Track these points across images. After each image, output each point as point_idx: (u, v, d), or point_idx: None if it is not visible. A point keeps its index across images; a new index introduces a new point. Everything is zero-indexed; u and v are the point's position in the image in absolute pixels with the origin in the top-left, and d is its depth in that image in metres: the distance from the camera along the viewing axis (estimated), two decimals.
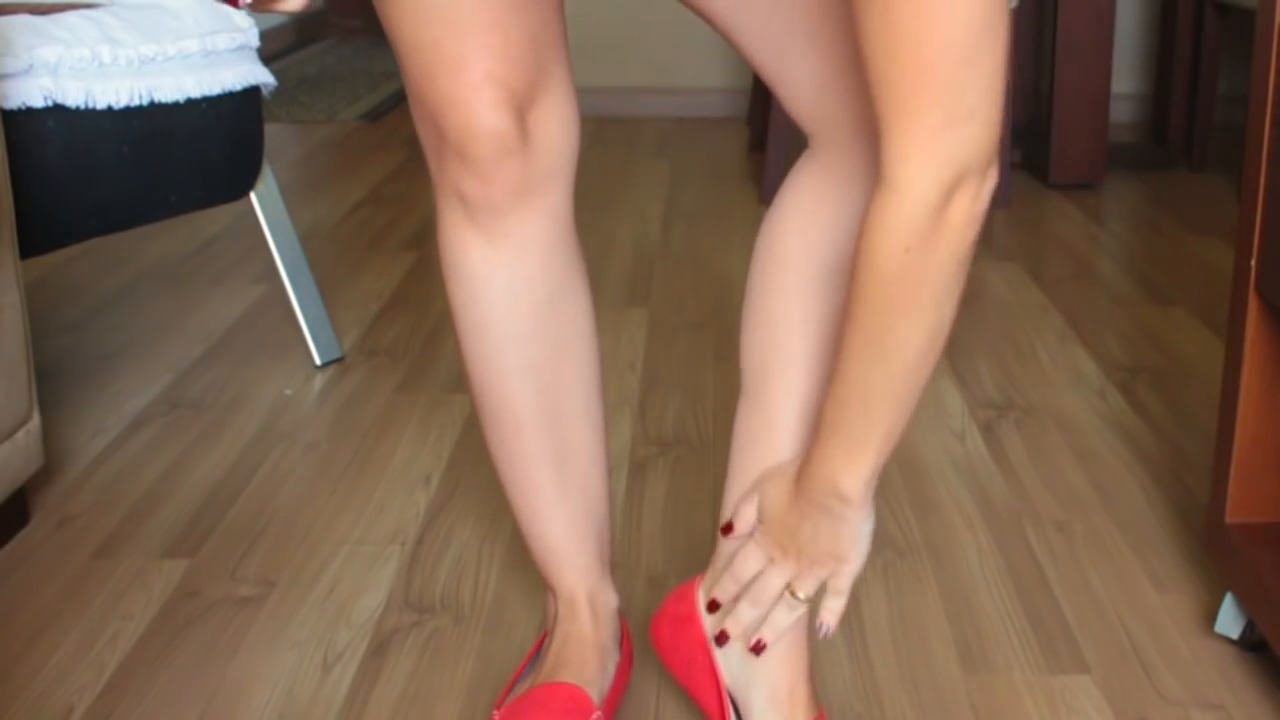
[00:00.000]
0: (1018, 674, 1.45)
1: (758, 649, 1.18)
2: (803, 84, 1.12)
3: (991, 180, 0.95)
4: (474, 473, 1.91)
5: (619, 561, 1.66)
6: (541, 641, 1.39)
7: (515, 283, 1.23)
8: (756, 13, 1.11)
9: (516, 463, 1.30)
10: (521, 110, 1.16)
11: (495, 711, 1.31)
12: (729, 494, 1.23)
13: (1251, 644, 1.47)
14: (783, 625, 1.17)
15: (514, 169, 1.17)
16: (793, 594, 1.16)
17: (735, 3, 1.12)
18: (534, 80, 1.17)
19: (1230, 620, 1.47)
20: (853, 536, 1.11)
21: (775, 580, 1.16)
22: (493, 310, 1.24)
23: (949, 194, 0.93)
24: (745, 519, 1.18)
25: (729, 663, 1.24)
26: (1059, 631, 1.52)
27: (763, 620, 1.18)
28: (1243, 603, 1.40)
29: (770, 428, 1.19)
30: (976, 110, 0.92)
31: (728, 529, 1.20)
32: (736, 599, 1.19)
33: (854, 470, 1.07)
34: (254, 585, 1.63)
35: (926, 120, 0.91)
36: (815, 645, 1.50)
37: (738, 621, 1.19)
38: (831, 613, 1.16)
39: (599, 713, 1.29)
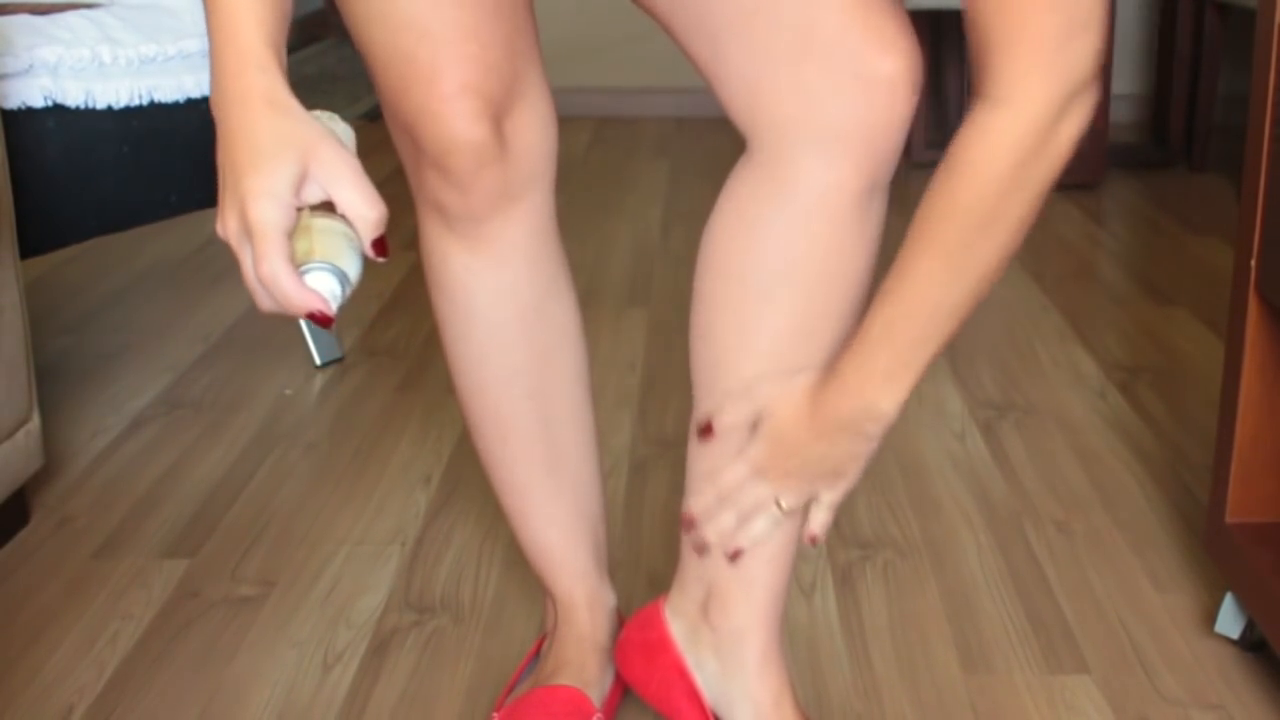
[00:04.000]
0: (1018, 674, 1.45)
1: (734, 557, 1.14)
2: (733, 82, 1.09)
3: (1096, 93, 0.94)
4: (474, 472, 1.91)
5: (620, 561, 1.66)
6: (541, 643, 1.39)
7: (499, 290, 1.22)
8: (691, 10, 1.09)
9: (507, 468, 1.29)
10: (499, 118, 1.14)
11: (495, 714, 1.31)
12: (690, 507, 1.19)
13: (1252, 644, 1.47)
14: (761, 535, 1.13)
15: (493, 178, 1.16)
16: (778, 505, 1.11)
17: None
18: (511, 85, 1.15)
19: (1230, 620, 1.47)
20: (866, 455, 1.08)
21: (762, 491, 1.11)
22: (477, 318, 1.23)
23: (1065, 109, 0.92)
24: (731, 424, 1.12)
25: (709, 683, 1.22)
26: (1059, 631, 1.52)
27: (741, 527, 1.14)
28: (1243, 603, 1.40)
29: (720, 452, 1.15)
30: (1091, 18, 0.91)
31: (706, 431, 1.14)
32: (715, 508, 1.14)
33: (895, 390, 1.03)
34: (254, 585, 1.63)
35: (1048, 34, 0.90)
36: (814, 645, 1.50)
37: (718, 529, 1.14)
38: (821, 525, 1.12)
39: (599, 714, 1.28)
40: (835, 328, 1.12)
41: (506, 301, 1.22)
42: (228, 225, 0.90)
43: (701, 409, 1.16)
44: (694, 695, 1.21)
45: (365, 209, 0.90)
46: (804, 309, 1.11)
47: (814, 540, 1.13)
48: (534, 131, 1.18)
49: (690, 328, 1.17)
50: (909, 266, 1.00)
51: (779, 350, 1.12)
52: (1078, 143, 0.95)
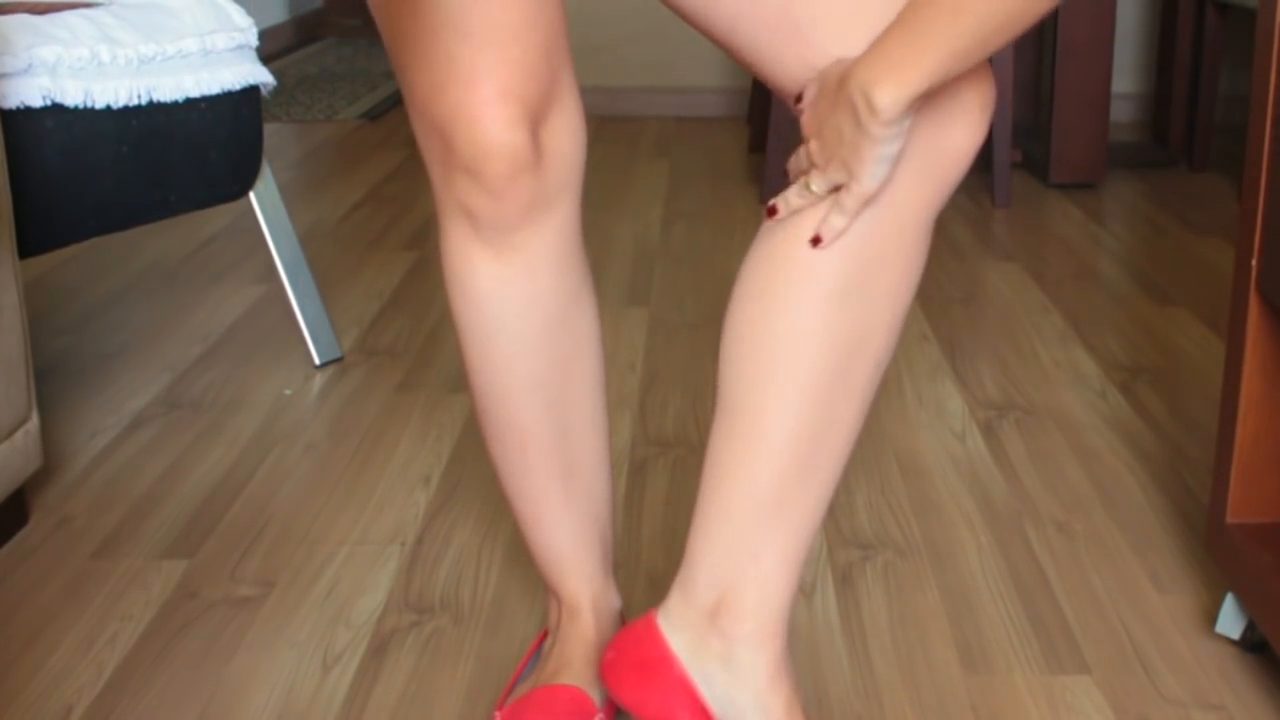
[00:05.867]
0: (1018, 674, 1.45)
1: (771, 212, 1.12)
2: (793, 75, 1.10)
3: None
4: (474, 473, 1.91)
5: (620, 561, 1.66)
6: (541, 640, 1.39)
7: (526, 299, 1.20)
8: (774, 26, 1.10)
9: (523, 476, 1.28)
10: (535, 125, 1.13)
11: (497, 712, 1.31)
12: (698, 521, 1.16)
13: (1252, 644, 1.47)
14: (794, 205, 1.10)
15: (527, 186, 1.14)
16: (806, 185, 1.09)
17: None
18: (548, 91, 1.14)
19: (1231, 620, 1.47)
20: (871, 156, 1.04)
21: (804, 161, 1.10)
22: (502, 327, 1.21)
23: None
24: (809, 94, 1.10)
25: (717, 697, 1.17)
26: (1059, 631, 1.52)
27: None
28: (1244, 603, 1.40)
29: (754, 453, 1.12)
30: None
31: (799, 98, 1.10)
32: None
33: (894, 83, 1.01)
34: (254, 585, 1.63)
35: None
36: (814, 645, 1.50)
37: (785, 202, 1.11)
38: (827, 228, 1.08)
39: (601, 714, 1.28)
40: (880, 346, 1.12)
41: (534, 311, 1.21)
42: None
43: (729, 404, 1.14)
44: (701, 711, 1.17)
45: None
46: (854, 318, 1.11)
47: (815, 241, 1.09)
48: (567, 138, 1.17)
49: (731, 324, 1.15)
50: None
51: (835, 368, 1.11)
52: None
